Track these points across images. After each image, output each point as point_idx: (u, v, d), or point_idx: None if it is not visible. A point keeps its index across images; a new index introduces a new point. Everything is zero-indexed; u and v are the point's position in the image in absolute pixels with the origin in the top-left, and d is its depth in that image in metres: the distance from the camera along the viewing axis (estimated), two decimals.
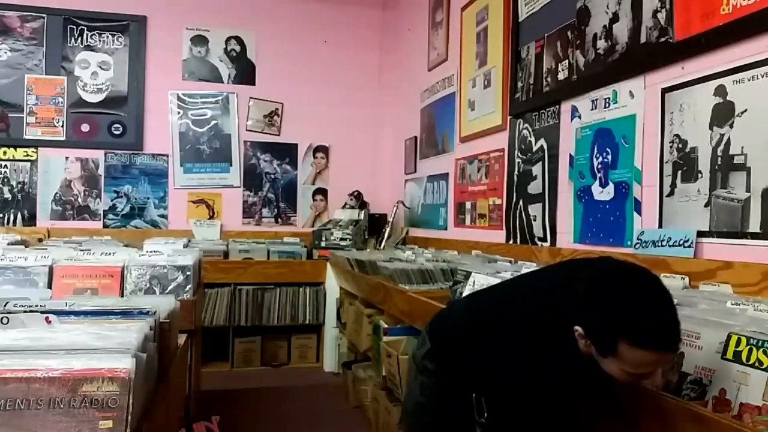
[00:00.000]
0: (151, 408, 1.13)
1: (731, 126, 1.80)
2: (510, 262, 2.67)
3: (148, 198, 4.94)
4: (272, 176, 5.21)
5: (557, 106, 2.73)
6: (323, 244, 4.71)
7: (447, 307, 1.60)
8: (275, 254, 4.75)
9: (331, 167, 5.32)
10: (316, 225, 5.14)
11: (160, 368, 1.29)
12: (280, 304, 4.66)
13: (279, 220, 5.22)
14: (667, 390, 1.18)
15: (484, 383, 1.31)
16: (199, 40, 5.05)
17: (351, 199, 5.00)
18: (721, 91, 1.84)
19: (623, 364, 1.09)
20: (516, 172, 3.08)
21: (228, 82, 5.10)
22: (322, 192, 5.31)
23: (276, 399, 3.91)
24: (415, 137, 4.64)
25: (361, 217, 4.86)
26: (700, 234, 1.91)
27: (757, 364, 1.03)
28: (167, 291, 2.24)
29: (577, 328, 1.14)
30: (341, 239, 4.64)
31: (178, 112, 5.01)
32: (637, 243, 2.16)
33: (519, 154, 3.06)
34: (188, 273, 2.31)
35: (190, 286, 2.30)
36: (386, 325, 3.00)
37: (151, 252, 2.36)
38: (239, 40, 5.12)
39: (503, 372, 1.26)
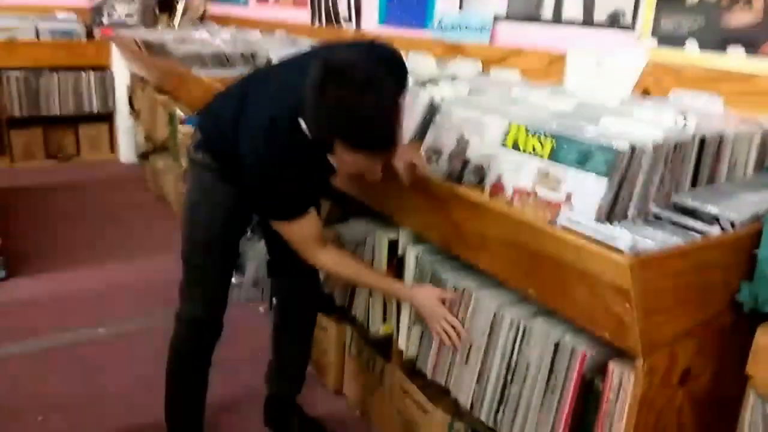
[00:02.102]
0: None
1: None
2: (312, 45, 2.53)
3: None
4: None
5: None
6: (105, 21, 4.09)
7: (217, 94, 1.45)
8: (47, 33, 4.05)
9: None
10: None
11: None
12: (61, 91, 4.10)
13: None
14: (449, 177, 1.22)
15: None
16: None
17: None
18: None
19: (341, 162, 1.15)
20: None
21: None
22: None
23: (69, 194, 3.61)
24: None
25: None
26: (497, 18, 1.91)
27: (531, 151, 1.07)
28: None
29: (301, 121, 1.16)
30: (127, 15, 4.06)
31: None
32: (438, 27, 2.13)
33: None
34: None
35: None
36: (182, 114, 2.80)
37: None
38: None
39: (250, 158, 1.22)
